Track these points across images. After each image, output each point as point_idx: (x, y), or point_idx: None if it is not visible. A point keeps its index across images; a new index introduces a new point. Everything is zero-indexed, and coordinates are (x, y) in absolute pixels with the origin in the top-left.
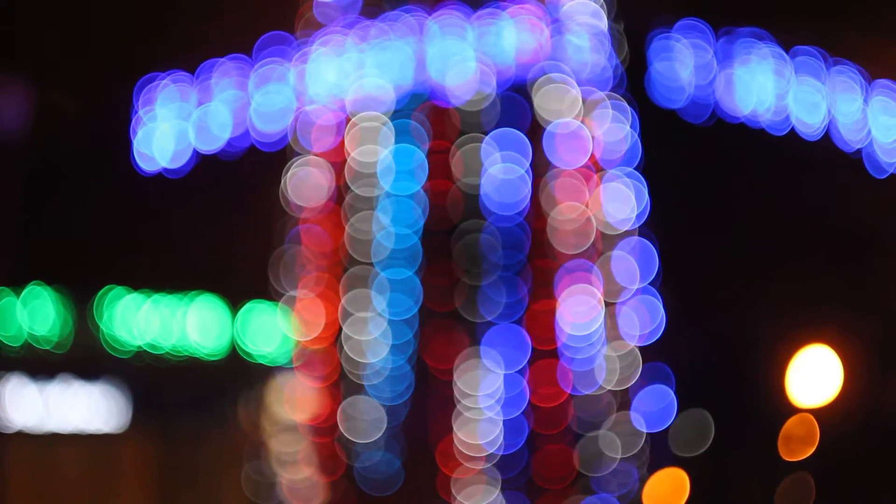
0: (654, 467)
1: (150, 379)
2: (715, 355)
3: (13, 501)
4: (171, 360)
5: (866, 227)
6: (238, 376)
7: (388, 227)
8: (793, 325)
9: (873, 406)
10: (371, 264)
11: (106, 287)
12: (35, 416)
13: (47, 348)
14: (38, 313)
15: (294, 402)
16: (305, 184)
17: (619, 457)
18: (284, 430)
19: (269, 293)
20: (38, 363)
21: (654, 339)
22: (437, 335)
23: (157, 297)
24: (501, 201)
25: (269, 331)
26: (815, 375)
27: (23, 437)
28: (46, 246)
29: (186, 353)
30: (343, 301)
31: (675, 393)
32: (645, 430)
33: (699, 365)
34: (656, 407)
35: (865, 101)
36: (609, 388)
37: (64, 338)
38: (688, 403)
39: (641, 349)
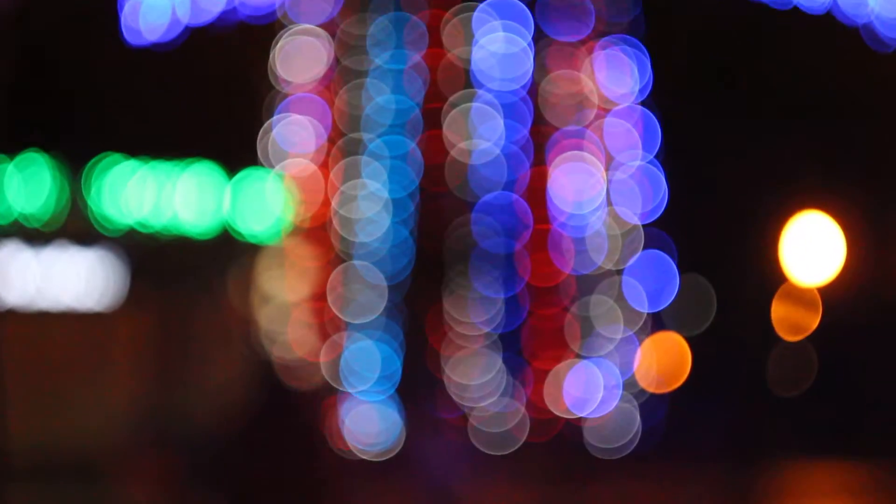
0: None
1: (142, 256)
2: (716, 226)
3: (6, 377)
4: (163, 239)
5: (870, 100)
6: (230, 254)
7: (388, 98)
8: (793, 197)
9: (874, 279)
10: (369, 136)
11: (101, 154)
12: (27, 294)
13: (37, 227)
14: (31, 182)
15: (288, 281)
16: (296, 56)
17: (619, 336)
18: (277, 309)
19: (263, 163)
20: (29, 240)
21: (657, 215)
22: (432, 213)
23: (152, 163)
24: (501, 72)
25: (263, 207)
26: (815, 247)
27: (15, 315)
28: (40, 115)
29: (178, 232)
30: (339, 176)
31: (676, 266)
32: (646, 308)
33: (700, 237)
34: (658, 282)
35: None
36: (609, 266)
37: (55, 215)
38: (688, 275)
39: (643, 224)
